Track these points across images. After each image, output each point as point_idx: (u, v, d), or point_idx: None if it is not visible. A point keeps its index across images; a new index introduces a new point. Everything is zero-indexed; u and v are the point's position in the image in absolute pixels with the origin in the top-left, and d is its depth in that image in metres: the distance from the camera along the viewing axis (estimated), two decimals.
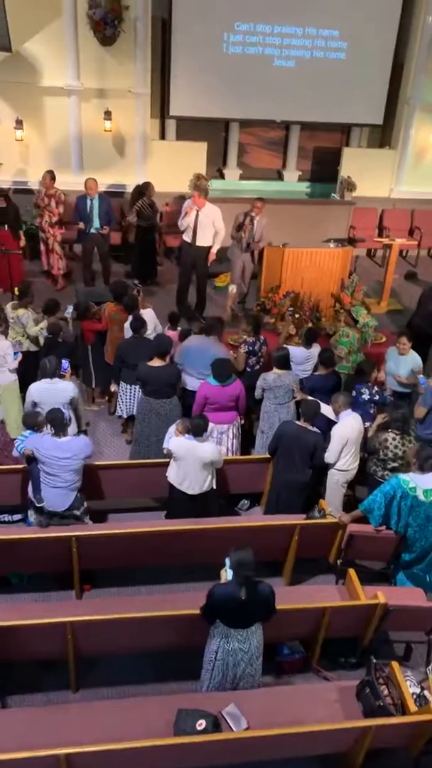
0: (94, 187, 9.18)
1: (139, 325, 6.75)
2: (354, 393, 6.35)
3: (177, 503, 5.80)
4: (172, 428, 5.84)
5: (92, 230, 9.32)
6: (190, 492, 5.65)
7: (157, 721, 4.02)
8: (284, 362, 6.49)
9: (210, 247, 8.90)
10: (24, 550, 5.16)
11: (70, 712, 4.17)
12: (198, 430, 5.53)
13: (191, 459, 5.53)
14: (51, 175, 9.42)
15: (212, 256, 8.98)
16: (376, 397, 6.42)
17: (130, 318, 6.95)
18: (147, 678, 4.86)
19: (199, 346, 6.72)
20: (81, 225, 9.27)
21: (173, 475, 5.71)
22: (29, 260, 10.19)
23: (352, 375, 7.10)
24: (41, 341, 7.08)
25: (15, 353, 6.79)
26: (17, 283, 8.23)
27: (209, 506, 5.77)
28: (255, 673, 4.36)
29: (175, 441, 5.62)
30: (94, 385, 7.64)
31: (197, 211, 8.69)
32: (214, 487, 5.75)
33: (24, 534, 5.34)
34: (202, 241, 8.86)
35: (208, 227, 8.77)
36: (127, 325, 7.01)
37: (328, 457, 5.80)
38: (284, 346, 6.90)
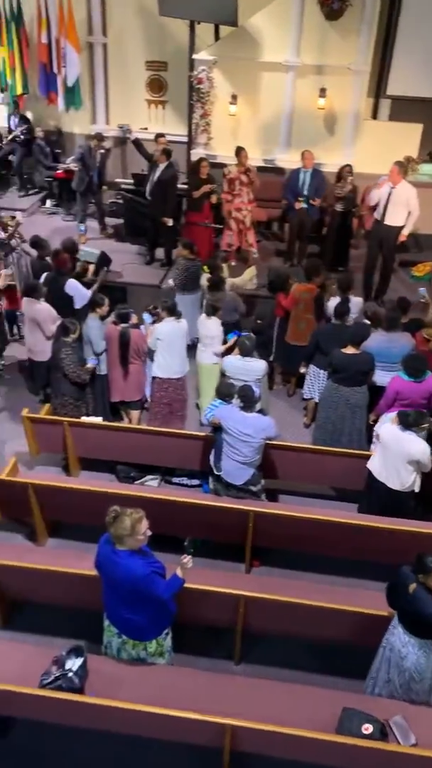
0: (310, 159, 9.04)
1: (345, 311, 6.58)
2: None
3: (373, 496, 5.59)
4: (390, 414, 5.66)
5: (302, 205, 9.19)
6: (389, 484, 5.40)
7: (321, 713, 3.94)
8: None
9: (401, 227, 8.41)
10: (201, 515, 5.27)
11: (235, 684, 4.22)
12: (410, 423, 5.22)
13: (397, 450, 5.28)
14: (244, 152, 9.23)
15: (402, 237, 8.50)
16: None
17: (335, 302, 6.81)
18: (309, 666, 4.78)
19: (381, 343, 6.40)
20: (299, 204, 9.12)
21: (375, 464, 5.52)
22: None
23: None
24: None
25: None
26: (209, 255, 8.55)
27: (403, 507, 5.48)
28: (423, 692, 4.12)
29: (387, 427, 5.42)
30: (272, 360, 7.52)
31: (391, 188, 8.25)
32: (416, 489, 5.44)
33: (203, 500, 5.47)
34: (392, 219, 8.41)
35: (400, 205, 8.29)
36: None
37: None
38: None
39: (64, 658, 4.07)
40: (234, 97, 10.30)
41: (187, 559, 4.01)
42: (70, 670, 4.01)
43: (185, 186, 9.76)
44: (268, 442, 5.66)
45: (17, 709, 4.13)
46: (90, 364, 6.43)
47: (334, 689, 4.37)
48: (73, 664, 4.04)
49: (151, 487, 6.30)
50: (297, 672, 4.72)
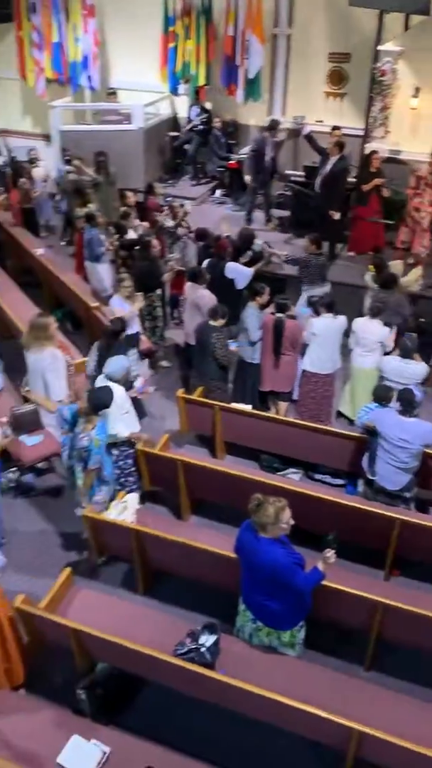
0: None
1: None
2: None
3: None
4: None
5: None
6: None
7: None
8: None
9: None
10: (345, 515, 5.17)
11: (363, 689, 4.12)
12: None
13: None
14: None
15: None
16: None
17: None
18: None
19: None
20: None
21: None
22: None
23: None
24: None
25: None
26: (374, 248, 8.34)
27: None
28: None
29: None
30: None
31: None
32: None
33: (349, 501, 5.37)
34: None
35: None
36: None
37: None
38: None
39: (198, 633, 4.20)
40: (417, 90, 9.88)
41: (330, 553, 3.97)
42: (203, 645, 4.12)
43: (354, 180, 9.57)
44: (426, 450, 5.43)
45: (149, 672, 4.32)
46: (232, 347, 6.52)
47: None
48: (207, 640, 4.15)
49: (292, 480, 6.30)
50: (430, 690, 4.52)
